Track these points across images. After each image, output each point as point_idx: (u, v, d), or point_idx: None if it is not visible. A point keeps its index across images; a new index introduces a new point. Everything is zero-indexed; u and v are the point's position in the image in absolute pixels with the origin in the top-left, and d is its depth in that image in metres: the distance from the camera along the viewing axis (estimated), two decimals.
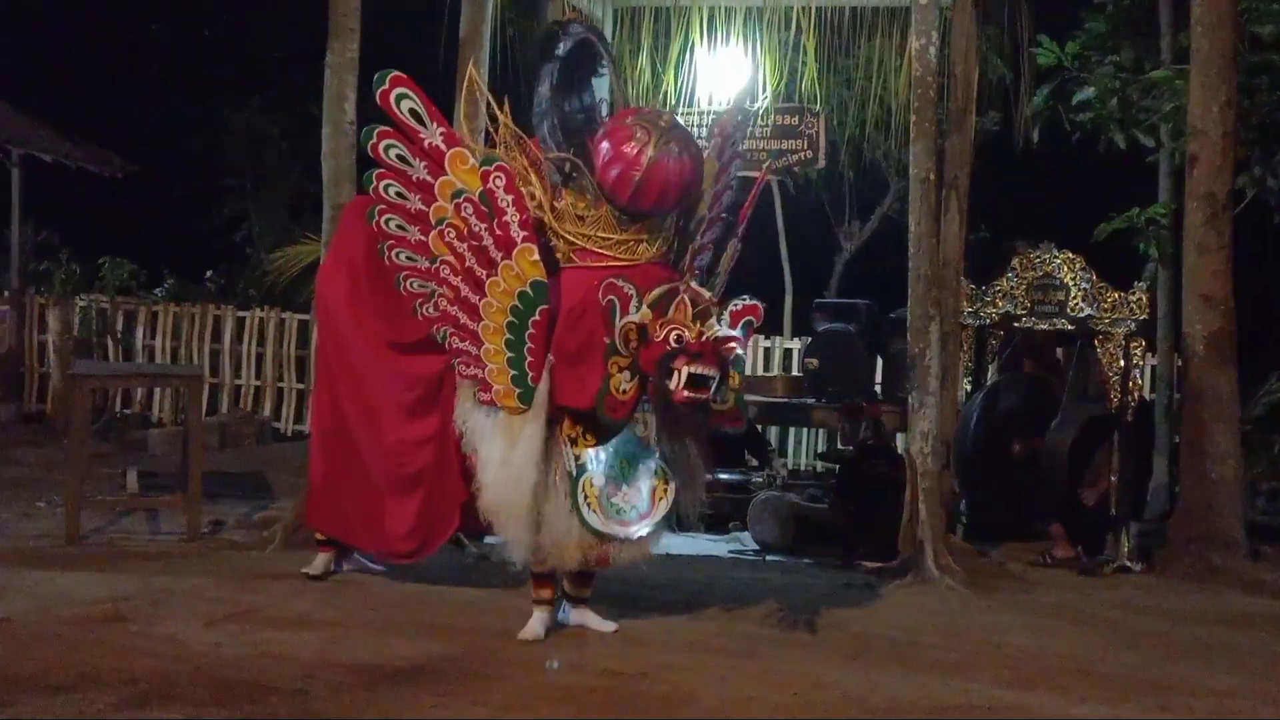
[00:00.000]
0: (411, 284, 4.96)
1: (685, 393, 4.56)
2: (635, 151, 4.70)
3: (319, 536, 5.78)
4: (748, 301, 4.82)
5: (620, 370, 4.65)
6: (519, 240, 4.71)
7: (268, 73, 14.54)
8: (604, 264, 4.82)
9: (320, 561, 5.74)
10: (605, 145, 4.78)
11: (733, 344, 4.71)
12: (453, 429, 5.00)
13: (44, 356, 11.71)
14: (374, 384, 5.30)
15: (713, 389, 4.59)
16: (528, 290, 4.72)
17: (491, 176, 4.71)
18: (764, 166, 5.36)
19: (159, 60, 15.43)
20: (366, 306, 5.31)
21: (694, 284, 4.80)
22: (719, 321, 4.72)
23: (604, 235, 4.84)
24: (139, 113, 14.93)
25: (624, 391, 4.67)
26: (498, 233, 4.73)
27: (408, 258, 4.94)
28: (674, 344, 4.58)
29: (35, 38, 15.38)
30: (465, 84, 5.25)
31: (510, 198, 4.71)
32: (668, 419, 4.68)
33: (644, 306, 4.63)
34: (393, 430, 5.22)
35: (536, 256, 4.72)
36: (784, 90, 8.70)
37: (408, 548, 5.31)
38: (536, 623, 4.92)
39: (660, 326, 4.61)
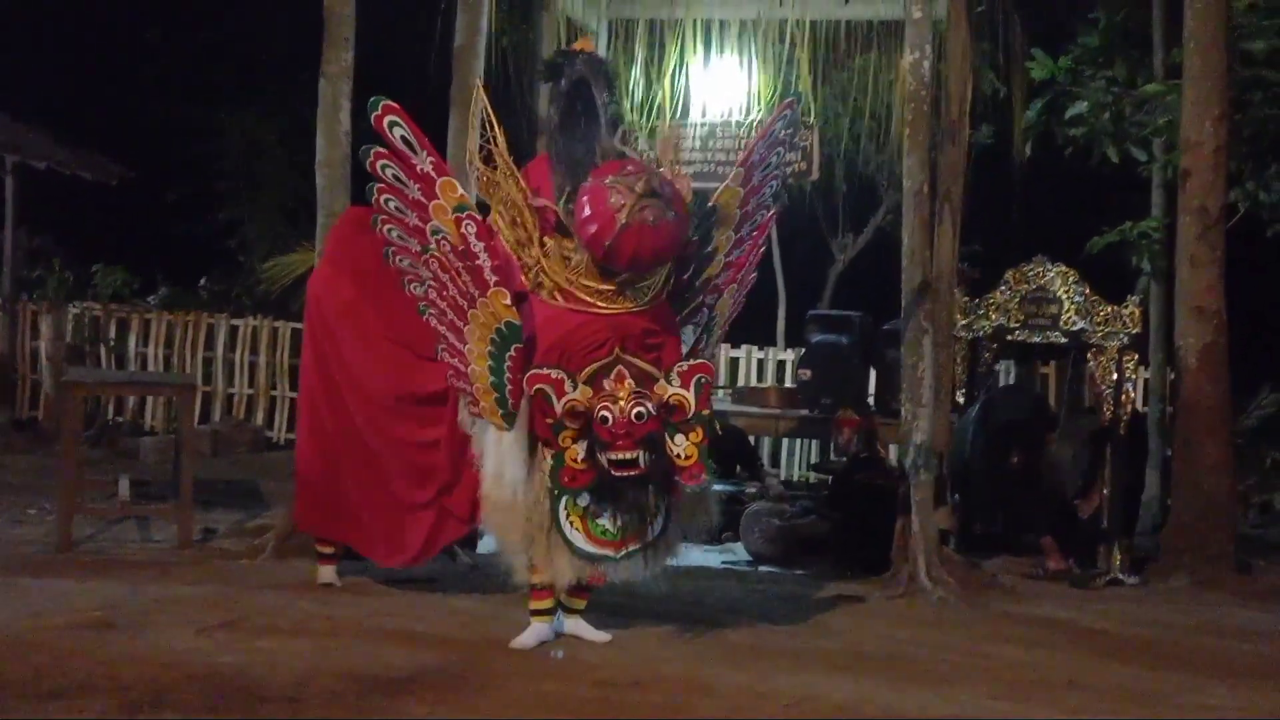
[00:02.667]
0: (414, 288, 5.03)
1: (614, 473, 4.66)
2: (609, 215, 4.64)
3: (323, 550, 5.76)
4: (694, 361, 4.83)
5: (573, 441, 4.71)
6: (491, 284, 4.76)
7: (264, 79, 14.53)
8: (585, 309, 4.83)
9: (326, 573, 5.73)
10: (584, 200, 4.74)
11: (681, 409, 4.69)
12: (460, 432, 5.07)
13: (36, 363, 11.71)
14: (381, 388, 5.32)
15: (642, 466, 4.65)
16: (502, 328, 4.78)
17: (463, 223, 4.77)
18: (768, 216, 5.31)
19: (155, 66, 15.41)
20: (373, 312, 5.35)
21: (628, 355, 4.76)
22: (669, 381, 4.73)
23: (586, 283, 4.84)
24: (134, 118, 14.90)
25: (580, 460, 4.73)
26: (473, 273, 4.79)
27: (410, 265, 5.00)
28: (600, 424, 4.64)
29: (30, 43, 15.37)
30: (473, 99, 5.24)
31: (481, 244, 4.77)
32: (618, 487, 4.74)
33: (580, 385, 4.67)
34: (404, 434, 5.29)
35: (509, 300, 4.77)
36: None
37: (413, 554, 5.39)
38: (531, 634, 4.92)
39: (596, 401, 4.66)
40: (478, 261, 4.76)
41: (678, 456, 4.73)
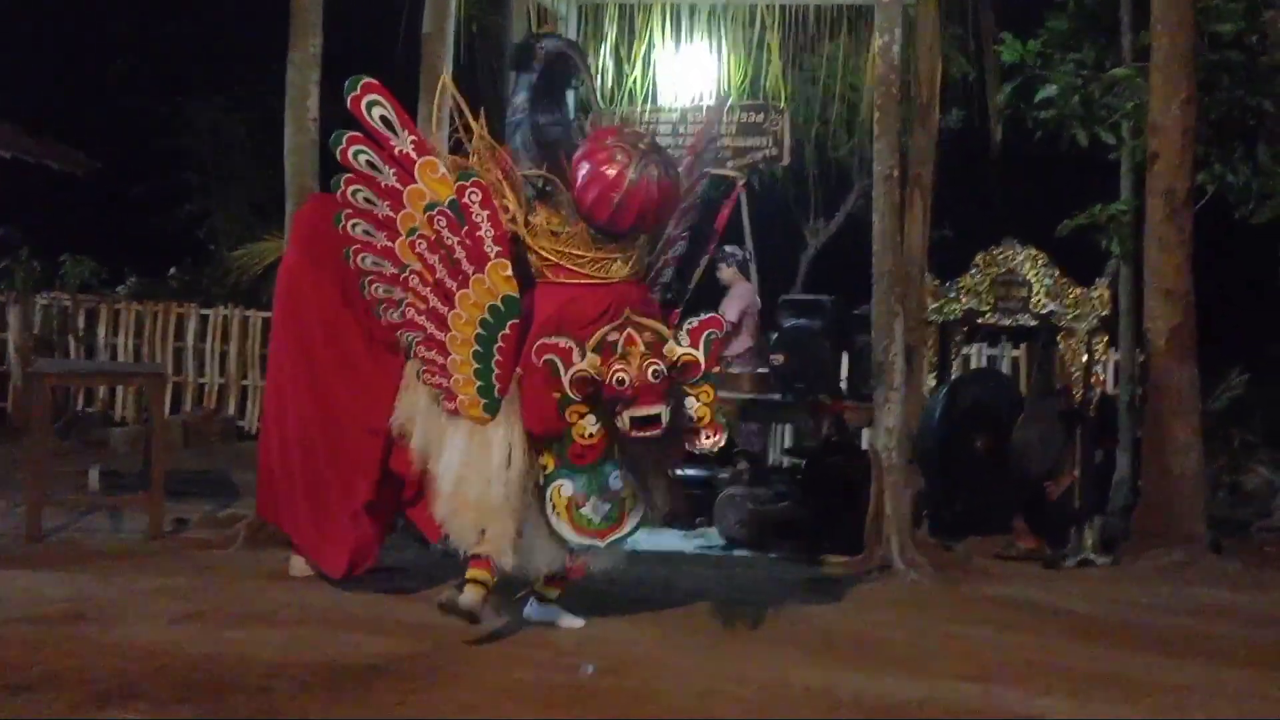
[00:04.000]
0: (377, 289, 4.93)
1: (634, 433, 4.57)
2: (615, 174, 4.67)
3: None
4: (703, 316, 4.79)
5: (581, 417, 4.67)
6: (492, 255, 4.72)
7: (232, 71, 14.44)
8: (577, 281, 4.82)
9: (298, 563, 5.69)
10: (585, 166, 4.75)
11: (693, 367, 4.62)
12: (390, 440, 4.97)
13: (4, 355, 11.60)
14: (351, 388, 5.19)
15: (663, 424, 4.55)
16: (498, 304, 4.73)
17: (467, 191, 4.73)
18: (736, 187, 5.37)
19: (123, 56, 15.30)
20: (347, 308, 5.17)
21: (637, 317, 4.66)
22: (678, 341, 4.66)
23: (578, 253, 4.83)
24: (102, 109, 14.79)
25: (589, 436, 4.69)
26: (470, 246, 4.73)
27: (374, 262, 4.92)
28: (616, 387, 4.54)
29: None
30: (438, 90, 5.21)
31: (485, 213, 4.72)
32: (631, 453, 4.71)
33: (589, 354, 4.59)
34: (361, 431, 5.18)
35: (509, 272, 4.73)
36: (748, 87, 8.71)
37: (342, 565, 5.34)
38: (466, 598, 4.75)
39: (608, 368, 4.55)
40: (479, 232, 4.71)
41: (691, 418, 4.70)
